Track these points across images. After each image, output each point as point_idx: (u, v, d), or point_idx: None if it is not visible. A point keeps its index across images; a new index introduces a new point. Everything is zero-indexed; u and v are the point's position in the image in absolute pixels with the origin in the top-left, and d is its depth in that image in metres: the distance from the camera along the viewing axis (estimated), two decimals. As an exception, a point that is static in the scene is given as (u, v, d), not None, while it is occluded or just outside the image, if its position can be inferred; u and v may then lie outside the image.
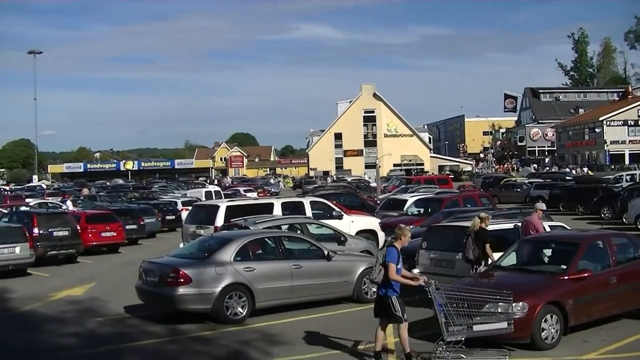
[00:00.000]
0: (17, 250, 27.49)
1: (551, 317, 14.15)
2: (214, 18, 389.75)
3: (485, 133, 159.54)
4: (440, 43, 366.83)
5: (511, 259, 17.00)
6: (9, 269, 27.11)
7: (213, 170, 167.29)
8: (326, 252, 19.35)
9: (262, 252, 19.21)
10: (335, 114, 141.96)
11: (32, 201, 55.40)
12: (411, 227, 28.52)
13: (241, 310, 17.53)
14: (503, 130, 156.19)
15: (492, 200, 39.95)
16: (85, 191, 71.60)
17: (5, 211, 41.72)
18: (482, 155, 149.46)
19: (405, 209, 35.58)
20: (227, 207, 27.16)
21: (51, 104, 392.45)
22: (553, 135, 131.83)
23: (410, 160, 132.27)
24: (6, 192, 75.42)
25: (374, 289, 19.70)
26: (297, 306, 18.56)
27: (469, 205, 33.26)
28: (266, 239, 19.57)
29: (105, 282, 25.53)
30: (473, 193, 46.55)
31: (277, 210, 27.50)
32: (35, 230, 30.35)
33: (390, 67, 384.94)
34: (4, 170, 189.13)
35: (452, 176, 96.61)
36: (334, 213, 29.46)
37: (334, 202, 33.34)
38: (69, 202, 50.92)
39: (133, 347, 15.74)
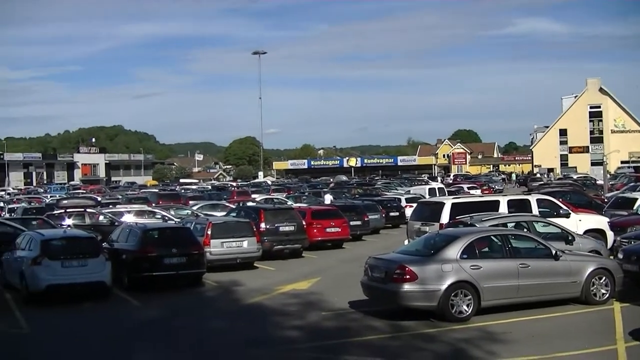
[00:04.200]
0: (245, 244, 28.36)
1: None
2: (433, 15, 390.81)
3: None
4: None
5: None
6: (237, 262, 28.03)
7: (436, 167, 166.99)
8: (554, 251, 18.82)
9: (489, 250, 18.90)
10: (560, 110, 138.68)
11: (258, 197, 57.06)
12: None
13: (466, 309, 17.29)
14: None
15: None
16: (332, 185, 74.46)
17: (233, 206, 43.11)
18: None
19: (635, 207, 34.25)
20: (453, 204, 26.98)
21: (276, 103, 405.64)
22: None
23: (639, 157, 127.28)
24: (233, 188, 78.06)
25: (603, 291, 19.18)
26: (522, 306, 18.10)
27: None
28: (492, 237, 19.21)
29: (330, 277, 25.85)
30: None
31: (503, 208, 27.07)
32: (263, 225, 31.14)
33: (616, 60, 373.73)
34: (230, 167, 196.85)
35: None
36: (561, 211, 28.61)
37: (561, 199, 32.39)
38: (327, 196, 52.44)
39: (357, 341, 15.84)
